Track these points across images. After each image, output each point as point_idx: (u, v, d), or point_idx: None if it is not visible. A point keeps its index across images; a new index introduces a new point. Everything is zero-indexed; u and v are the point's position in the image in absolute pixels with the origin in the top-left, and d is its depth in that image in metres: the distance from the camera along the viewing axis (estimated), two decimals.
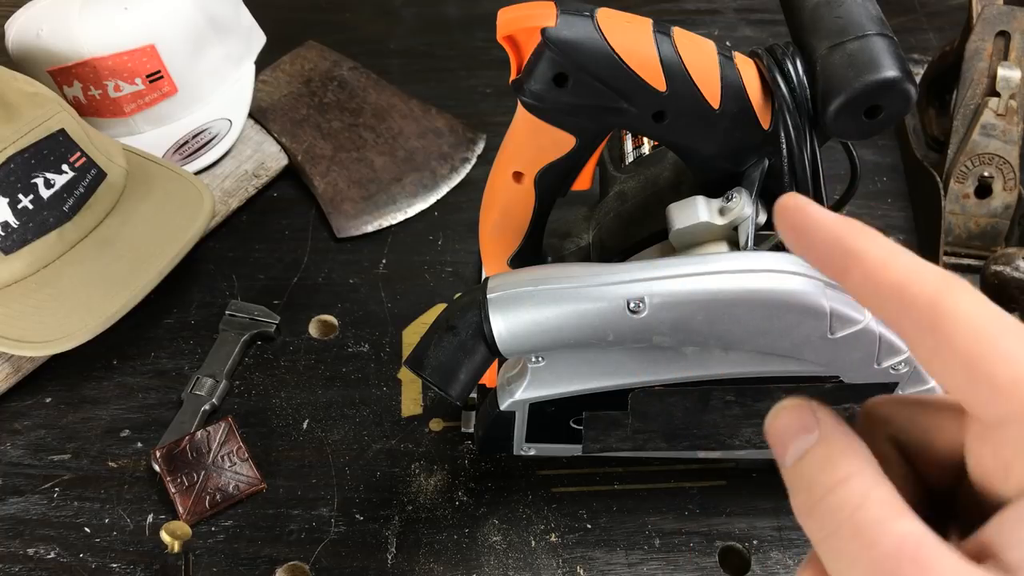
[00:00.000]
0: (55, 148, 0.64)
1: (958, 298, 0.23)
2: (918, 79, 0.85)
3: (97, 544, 0.58)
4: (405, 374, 0.67)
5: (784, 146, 0.48)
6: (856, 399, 0.52)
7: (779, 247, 0.51)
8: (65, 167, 0.65)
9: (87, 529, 0.58)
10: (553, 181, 0.52)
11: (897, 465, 0.27)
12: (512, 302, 0.45)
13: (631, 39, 0.45)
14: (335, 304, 0.71)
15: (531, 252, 0.57)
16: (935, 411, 0.27)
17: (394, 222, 0.78)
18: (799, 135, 0.47)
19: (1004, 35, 0.76)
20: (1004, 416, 0.22)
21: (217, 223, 0.76)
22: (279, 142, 0.81)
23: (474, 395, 0.59)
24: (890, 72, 0.43)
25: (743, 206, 0.49)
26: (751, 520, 0.59)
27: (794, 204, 0.27)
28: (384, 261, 0.75)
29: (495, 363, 0.53)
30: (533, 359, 0.51)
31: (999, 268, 0.62)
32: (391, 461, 0.62)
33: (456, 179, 0.81)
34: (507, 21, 0.46)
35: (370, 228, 0.77)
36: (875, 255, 0.24)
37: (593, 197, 0.62)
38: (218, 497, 0.59)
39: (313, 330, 0.70)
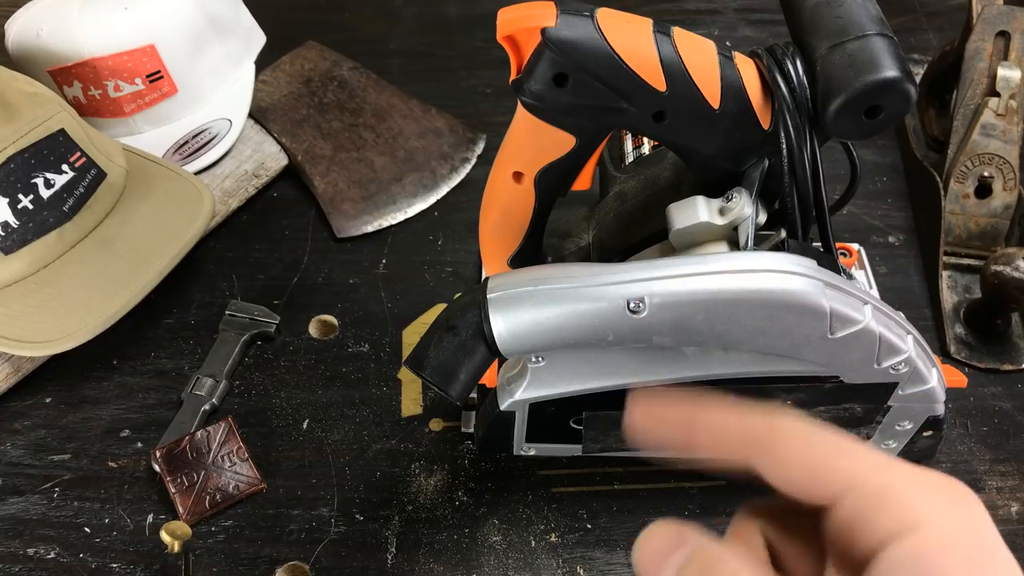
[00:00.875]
0: (55, 148, 0.64)
1: (785, 421, 0.29)
2: (918, 79, 0.85)
3: (97, 544, 0.58)
4: (405, 374, 0.67)
5: (784, 146, 0.48)
6: (856, 399, 0.53)
7: (779, 247, 0.51)
8: (65, 167, 0.65)
9: (87, 529, 0.58)
10: (553, 181, 0.52)
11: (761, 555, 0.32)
12: (512, 302, 0.45)
13: (631, 39, 0.45)
14: (335, 304, 0.71)
15: (531, 252, 0.57)
16: (788, 516, 0.33)
17: (394, 222, 0.78)
18: (799, 135, 0.47)
19: (1004, 35, 0.76)
20: (837, 493, 0.27)
21: (217, 223, 0.76)
22: (279, 142, 0.81)
23: (474, 395, 0.59)
24: (890, 72, 0.43)
25: (743, 206, 0.49)
26: None
27: (639, 395, 0.32)
28: (384, 261, 0.75)
29: (495, 363, 0.53)
30: (533, 359, 0.51)
31: (999, 268, 0.62)
32: (391, 461, 0.62)
33: (456, 179, 0.81)
34: (507, 21, 0.46)
35: (370, 228, 0.77)
36: (713, 409, 0.31)
37: (593, 197, 0.62)
38: (218, 497, 0.59)
39: (313, 330, 0.70)
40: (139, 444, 0.63)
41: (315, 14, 0.99)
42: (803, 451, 0.28)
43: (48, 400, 0.65)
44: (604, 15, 0.45)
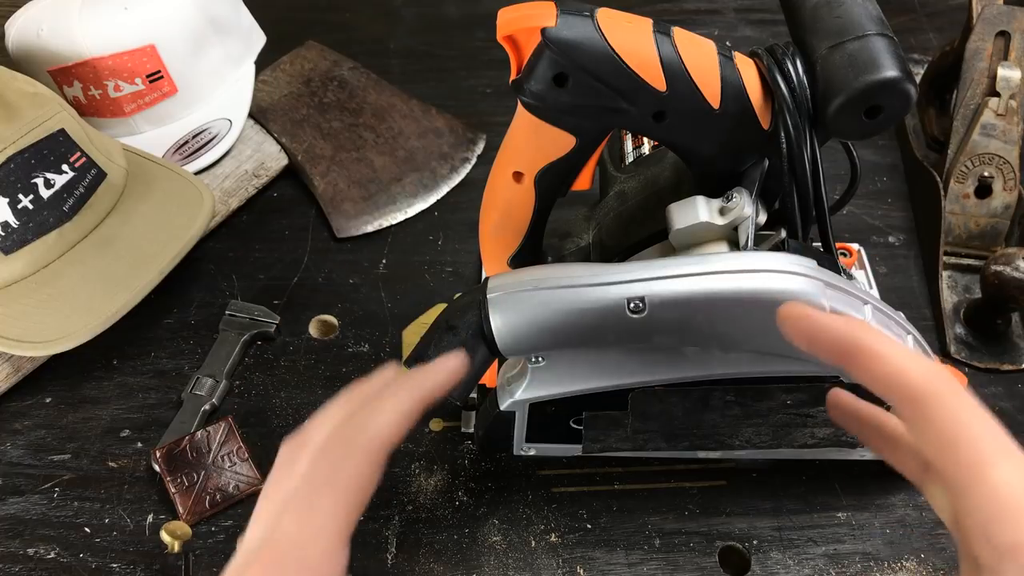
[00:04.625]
0: (55, 148, 0.64)
1: (941, 389, 0.30)
2: (918, 79, 0.85)
3: (97, 544, 0.58)
4: None
5: (784, 146, 0.47)
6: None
7: (779, 247, 0.51)
8: (65, 167, 0.65)
9: (87, 529, 0.58)
10: (553, 181, 0.52)
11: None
12: (512, 302, 0.45)
13: (631, 39, 0.45)
14: (335, 304, 0.71)
15: (531, 252, 0.57)
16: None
17: (394, 222, 0.78)
18: (799, 135, 0.47)
19: (1004, 35, 0.76)
20: (966, 485, 0.29)
21: (217, 223, 0.76)
22: (279, 142, 0.81)
23: (474, 395, 0.59)
24: (890, 72, 0.43)
25: (743, 206, 0.49)
26: (751, 520, 0.59)
27: (798, 312, 0.34)
28: (384, 261, 0.75)
29: (495, 363, 0.53)
30: (533, 359, 0.51)
31: (999, 268, 0.62)
32: (391, 461, 0.61)
33: (456, 179, 0.81)
34: (507, 21, 0.46)
35: (370, 228, 0.77)
36: (874, 349, 0.31)
37: (593, 197, 0.62)
38: (218, 497, 0.59)
39: (313, 330, 0.70)
40: (139, 444, 0.63)
41: (315, 14, 0.99)
42: (946, 428, 0.29)
43: (48, 400, 0.65)
44: (604, 15, 0.45)
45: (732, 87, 0.46)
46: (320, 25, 0.96)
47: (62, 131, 0.65)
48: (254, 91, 0.82)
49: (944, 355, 0.69)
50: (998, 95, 0.73)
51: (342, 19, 0.98)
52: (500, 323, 0.45)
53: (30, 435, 0.63)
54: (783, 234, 0.51)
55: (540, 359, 0.51)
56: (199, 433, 0.61)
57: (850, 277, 0.54)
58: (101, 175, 0.67)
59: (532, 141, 0.50)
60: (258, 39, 0.85)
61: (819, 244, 0.53)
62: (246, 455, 0.61)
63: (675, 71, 0.45)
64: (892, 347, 0.31)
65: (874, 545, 0.58)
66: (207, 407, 0.64)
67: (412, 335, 0.69)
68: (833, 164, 0.57)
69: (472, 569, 0.57)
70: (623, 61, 0.45)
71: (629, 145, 0.62)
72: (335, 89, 0.85)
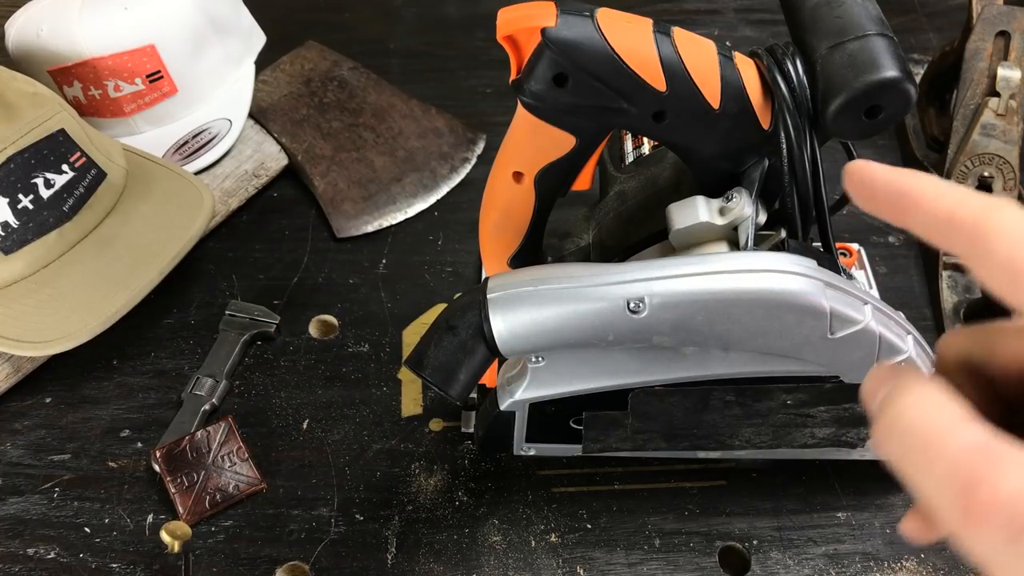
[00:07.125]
0: (55, 148, 0.64)
1: (1000, 215, 0.27)
2: (918, 79, 0.85)
3: (97, 544, 0.58)
4: (405, 374, 0.67)
5: (784, 146, 0.47)
6: (856, 399, 0.52)
7: (779, 247, 0.51)
8: (65, 167, 0.65)
9: (87, 529, 0.58)
10: (553, 181, 0.52)
11: (970, 388, 0.31)
12: (512, 302, 0.45)
13: (631, 39, 0.45)
14: (335, 304, 0.71)
15: (531, 252, 0.57)
16: (1000, 332, 0.33)
17: (394, 222, 0.78)
18: (799, 135, 0.47)
19: (1004, 35, 0.76)
20: None
21: (217, 223, 0.76)
22: (279, 142, 0.81)
23: (474, 395, 0.59)
24: (890, 72, 0.43)
25: (743, 206, 0.49)
26: (751, 520, 0.59)
27: (858, 166, 0.31)
28: (384, 261, 0.75)
29: (495, 363, 0.53)
30: (533, 359, 0.51)
31: None
32: (391, 461, 0.62)
33: (456, 179, 0.81)
34: (507, 21, 0.46)
35: (370, 228, 0.77)
36: (927, 192, 0.29)
37: (593, 197, 0.62)
38: (218, 497, 0.59)
39: (313, 330, 0.70)
40: (139, 444, 0.63)
41: (315, 14, 0.99)
42: (1007, 254, 0.26)
43: (48, 400, 0.65)
44: (604, 15, 0.45)
45: (732, 87, 0.46)
46: (320, 25, 0.96)
47: (62, 131, 0.65)
48: (254, 91, 0.82)
49: None
50: (998, 95, 0.73)
51: (342, 19, 0.98)
52: (500, 323, 0.45)
53: (30, 435, 0.63)
54: (783, 234, 0.51)
55: (540, 359, 0.51)
56: (199, 433, 0.61)
57: (850, 277, 0.54)
58: (101, 175, 0.67)
59: (532, 141, 0.50)
60: (258, 39, 0.85)
61: (819, 244, 0.53)
62: (246, 455, 0.61)
63: (675, 71, 0.45)
64: (947, 186, 0.29)
65: (874, 545, 0.58)
66: (207, 407, 0.64)
67: (412, 335, 0.69)
68: (833, 164, 0.57)
69: (472, 569, 0.57)
70: (623, 61, 0.45)
71: (629, 145, 0.62)
72: (335, 89, 0.85)
